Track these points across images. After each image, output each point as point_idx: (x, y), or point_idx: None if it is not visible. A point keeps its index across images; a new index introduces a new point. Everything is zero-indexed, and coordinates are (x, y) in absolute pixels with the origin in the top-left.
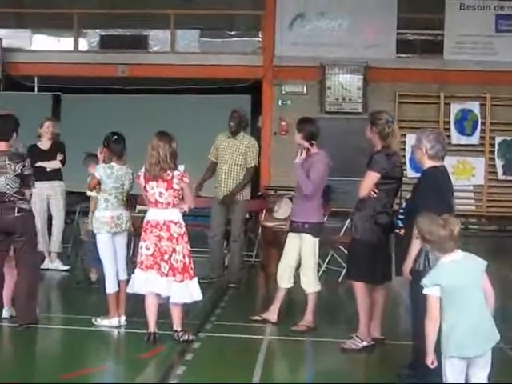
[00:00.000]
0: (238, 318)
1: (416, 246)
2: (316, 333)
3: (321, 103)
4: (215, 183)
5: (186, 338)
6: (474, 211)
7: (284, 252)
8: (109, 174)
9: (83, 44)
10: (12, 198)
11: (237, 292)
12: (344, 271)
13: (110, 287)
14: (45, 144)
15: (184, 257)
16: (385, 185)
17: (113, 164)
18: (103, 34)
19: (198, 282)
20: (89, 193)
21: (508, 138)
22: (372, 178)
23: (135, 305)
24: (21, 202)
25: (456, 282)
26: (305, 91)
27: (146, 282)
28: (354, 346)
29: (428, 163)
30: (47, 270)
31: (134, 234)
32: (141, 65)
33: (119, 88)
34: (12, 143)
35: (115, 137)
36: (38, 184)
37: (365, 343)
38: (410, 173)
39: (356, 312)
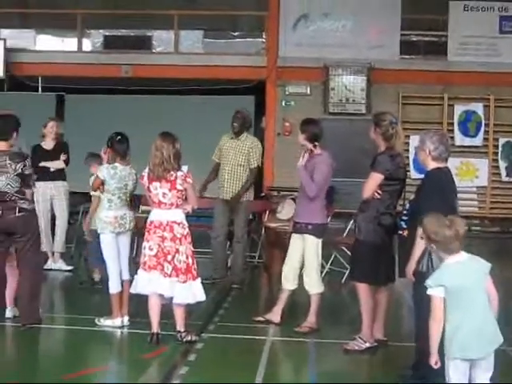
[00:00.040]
0: (241, 318)
1: (419, 247)
2: (319, 334)
3: (324, 104)
4: (218, 184)
5: (189, 338)
6: (477, 213)
7: (288, 253)
8: (112, 175)
9: (87, 44)
10: (13, 198)
11: (240, 293)
12: (347, 272)
13: (114, 287)
14: (48, 144)
15: (187, 257)
16: (388, 186)
17: (116, 164)
18: (107, 34)
19: (201, 283)
20: (92, 193)
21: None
22: (375, 179)
23: (138, 305)
24: (22, 201)
25: (460, 283)
26: (308, 92)
27: (149, 283)
28: (356, 348)
29: (431, 164)
30: (50, 270)
31: (137, 234)
32: (144, 65)
33: (123, 88)
34: (12, 143)
35: (119, 137)
36: (41, 184)
37: (368, 344)
38: (413, 174)
39: (359, 313)
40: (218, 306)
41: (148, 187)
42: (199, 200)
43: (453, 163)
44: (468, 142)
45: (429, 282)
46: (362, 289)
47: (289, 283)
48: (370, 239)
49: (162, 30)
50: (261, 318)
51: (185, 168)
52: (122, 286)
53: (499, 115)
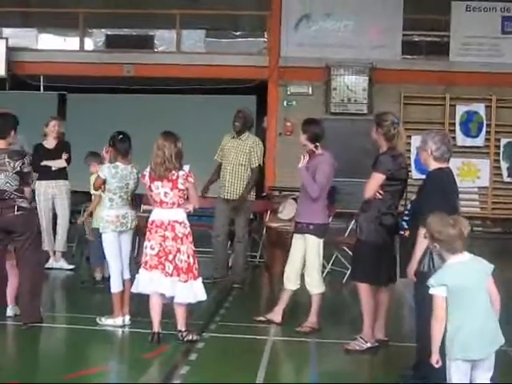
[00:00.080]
0: (242, 318)
1: (421, 247)
2: (320, 334)
3: (326, 104)
4: (219, 183)
5: (190, 338)
6: (479, 213)
7: (290, 254)
8: (113, 174)
9: (89, 43)
10: (12, 196)
11: (241, 292)
12: (348, 272)
13: (115, 287)
14: (50, 143)
15: (188, 257)
16: (390, 186)
17: (117, 164)
18: (109, 33)
19: (202, 282)
20: (93, 191)
21: None
22: (377, 179)
23: (139, 304)
24: (20, 200)
25: (462, 283)
26: (310, 92)
27: (150, 282)
28: (357, 348)
29: (433, 165)
30: (52, 269)
31: (138, 233)
32: (146, 64)
33: (125, 88)
34: (11, 141)
35: (121, 136)
36: (43, 183)
37: (369, 344)
38: (414, 174)
39: (360, 313)
40: (219, 305)
41: (149, 186)
42: (201, 199)
43: (454, 163)
44: (470, 142)
45: (431, 281)
46: (363, 289)
47: (291, 283)
48: (372, 239)
49: (164, 30)
50: (262, 318)
51: (186, 167)
52: (124, 285)
53: (501, 116)
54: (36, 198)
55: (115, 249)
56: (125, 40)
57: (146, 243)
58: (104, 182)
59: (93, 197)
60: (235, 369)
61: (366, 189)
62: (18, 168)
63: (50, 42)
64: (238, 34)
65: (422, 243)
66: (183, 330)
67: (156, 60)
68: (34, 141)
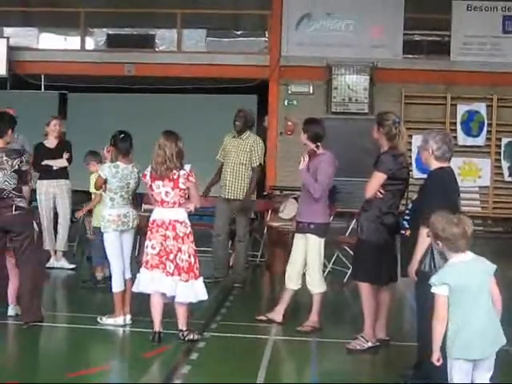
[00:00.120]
0: (243, 317)
1: (422, 246)
2: (321, 333)
3: (327, 103)
4: (220, 182)
5: (191, 337)
6: (480, 213)
7: (291, 253)
8: (114, 174)
9: (90, 43)
10: (10, 195)
11: (242, 292)
12: (349, 272)
13: (117, 286)
14: (51, 142)
15: (189, 256)
16: (391, 186)
17: (118, 163)
18: (110, 33)
19: (203, 282)
20: (93, 191)
21: None
22: (378, 178)
23: (141, 304)
24: (19, 199)
25: (464, 282)
26: (311, 91)
27: (151, 282)
28: (358, 347)
29: (434, 164)
30: (53, 268)
31: (140, 232)
32: (147, 64)
33: (126, 87)
34: (9, 140)
35: (122, 135)
36: (44, 182)
37: (370, 344)
38: (415, 174)
39: (361, 313)
40: (220, 305)
41: (150, 185)
42: (201, 199)
43: (455, 163)
44: (471, 141)
45: (433, 280)
46: (364, 288)
47: (292, 283)
48: (373, 239)
49: (164, 29)
50: (263, 317)
51: (187, 167)
52: (125, 284)
53: (502, 115)
54: (37, 197)
55: (117, 248)
56: (126, 39)
57: (147, 242)
58: (105, 181)
59: (93, 196)
60: (236, 368)
61: (367, 188)
62: (16, 166)
63: (50, 41)
64: (238, 33)
65: (423, 243)
66: (184, 329)
67: (157, 59)
68: (34, 140)
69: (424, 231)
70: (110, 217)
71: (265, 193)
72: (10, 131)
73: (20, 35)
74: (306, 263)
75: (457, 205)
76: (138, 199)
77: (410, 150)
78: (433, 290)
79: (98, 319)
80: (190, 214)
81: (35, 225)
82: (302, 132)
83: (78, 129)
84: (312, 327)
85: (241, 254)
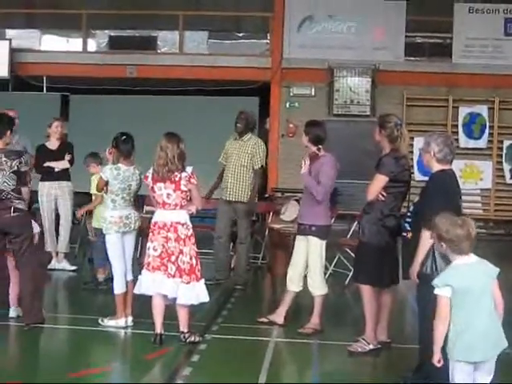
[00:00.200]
0: (245, 319)
1: (423, 249)
2: (322, 335)
3: (329, 106)
4: (222, 184)
5: (193, 339)
6: (482, 215)
7: (293, 256)
8: (115, 175)
9: (92, 45)
10: (9, 196)
11: (243, 294)
12: (351, 274)
13: (118, 288)
14: (53, 144)
15: (191, 258)
16: (393, 188)
17: (119, 165)
18: (112, 34)
19: (205, 284)
20: (94, 192)
21: None
22: (380, 181)
23: (142, 306)
24: (17, 201)
25: (467, 285)
26: (313, 93)
27: (152, 283)
28: (360, 349)
29: (436, 167)
30: (54, 270)
31: (141, 234)
32: (149, 66)
33: (127, 89)
34: (8, 141)
35: (124, 137)
36: (46, 184)
37: (371, 346)
38: (417, 176)
39: (362, 315)
40: (222, 306)
41: (152, 187)
42: (204, 201)
43: (457, 165)
44: (472, 144)
45: (436, 281)
46: (366, 291)
47: (294, 285)
48: (374, 241)
49: (166, 31)
50: (264, 319)
51: (189, 169)
52: (127, 286)
53: (504, 117)
54: (39, 198)
55: (119, 250)
56: (128, 41)
57: (149, 244)
58: (106, 183)
59: (93, 197)
60: (237, 370)
61: (368, 191)
62: (15, 167)
63: (53, 43)
64: (240, 35)
65: (424, 245)
66: (185, 331)
67: (159, 61)
68: (36, 142)
69: (425, 233)
70: (112, 218)
71: (266, 195)
72: (8, 132)
73: (22, 37)
74: (308, 265)
75: (458, 207)
76: (140, 201)
77: (412, 152)
78: (436, 291)
79: (100, 321)
80: (191, 216)
81: (37, 226)
82: (303, 134)
83: (80, 130)
84: (313, 329)
85: (242, 256)
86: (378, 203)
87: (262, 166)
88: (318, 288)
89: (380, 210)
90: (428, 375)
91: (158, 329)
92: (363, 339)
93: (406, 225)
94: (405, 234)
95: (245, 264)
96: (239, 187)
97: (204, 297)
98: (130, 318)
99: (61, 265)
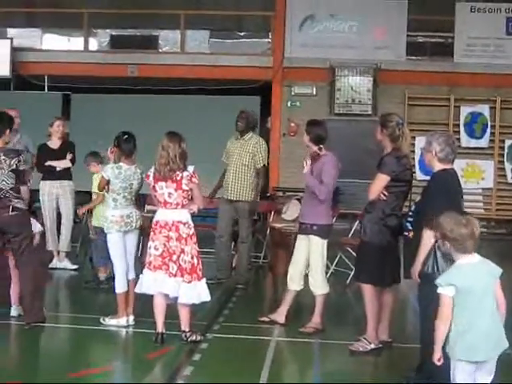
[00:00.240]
0: (246, 318)
1: (425, 248)
2: (324, 335)
3: (330, 105)
4: (224, 183)
5: (194, 338)
6: (483, 214)
7: (294, 254)
8: (117, 175)
9: (93, 44)
10: (7, 195)
11: (244, 293)
12: (352, 273)
13: (120, 287)
14: (55, 143)
15: (192, 257)
16: (395, 187)
17: (121, 164)
18: (113, 33)
19: (206, 283)
20: (95, 191)
21: None
22: (382, 180)
23: (143, 305)
24: (16, 200)
25: (470, 284)
26: (314, 93)
27: (154, 283)
28: (361, 349)
29: (438, 166)
30: (56, 269)
31: (143, 233)
32: (150, 65)
33: (129, 88)
34: (7, 140)
35: (126, 136)
36: (47, 183)
37: (373, 346)
38: (419, 175)
39: (364, 314)
40: (223, 306)
41: (154, 186)
42: (207, 201)
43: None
44: (474, 143)
45: (439, 280)
46: (367, 290)
47: (294, 284)
48: (376, 240)
49: (168, 30)
50: (265, 319)
51: (191, 168)
52: (128, 285)
53: (505, 117)
54: (40, 198)
55: (120, 249)
56: (129, 40)
57: (150, 243)
58: (108, 182)
59: (94, 196)
60: (239, 369)
61: (370, 190)
62: (14, 166)
63: (54, 42)
64: (242, 34)
65: (426, 244)
66: (187, 330)
67: (160, 60)
68: (38, 141)
69: (427, 233)
70: (113, 217)
71: (268, 194)
72: (8, 131)
73: (23, 36)
74: (309, 264)
75: (460, 206)
76: (141, 200)
77: (414, 151)
78: (439, 290)
79: (101, 320)
80: (193, 215)
81: (39, 225)
82: (304, 134)
83: (82, 130)
84: (315, 328)
85: (243, 256)
86: (380, 202)
87: (264, 165)
88: (320, 287)
89: (382, 210)
90: (430, 375)
91: (160, 328)
92: (364, 338)
93: (408, 224)
94: (406, 233)
95: (246, 263)
96: (240, 186)
97: (205, 296)
98: (131, 317)
99: (62, 264)
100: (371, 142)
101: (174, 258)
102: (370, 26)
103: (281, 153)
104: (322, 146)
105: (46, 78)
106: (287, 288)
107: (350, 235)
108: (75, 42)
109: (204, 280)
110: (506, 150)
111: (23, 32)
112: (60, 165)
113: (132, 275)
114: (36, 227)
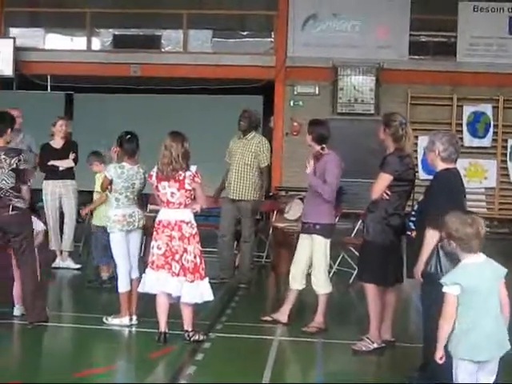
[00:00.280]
0: (249, 318)
1: (428, 248)
2: (326, 334)
3: (333, 104)
4: (226, 183)
5: (197, 337)
6: (486, 214)
7: (296, 253)
8: (119, 174)
9: (96, 43)
10: (7, 194)
11: (247, 292)
12: (355, 273)
13: (123, 286)
14: (57, 143)
15: (195, 257)
16: (397, 187)
17: (124, 164)
18: (116, 33)
19: (209, 283)
20: (98, 190)
21: None
22: (385, 179)
23: (146, 304)
24: (16, 199)
25: (476, 284)
26: (317, 92)
27: (157, 282)
28: (364, 348)
29: (441, 165)
30: (58, 268)
31: (145, 233)
32: (153, 64)
33: (132, 88)
34: (8, 139)
35: (128, 136)
36: (50, 182)
37: (375, 345)
38: (421, 175)
39: (367, 314)
40: (226, 305)
41: (156, 186)
42: (212, 200)
43: (461, 164)
44: (477, 142)
45: (444, 279)
46: (370, 289)
47: (296, 283)
48: (379, 240)
49: (171, 30)
50: (268, 318)
51: (193, 168)
52: (131, 284)
53: (508, 116)
54: (43, 197)
55: (123, 248)
56: (132, 40)
57: (153, 243)
58: (111, 182)
59: (96, 195)
60: (241, 369)
61: (373, 189)
62: (14, 165)
63: (57, 41)
64: (245, 33)
65: (429, 244)
66: (190, 329)
67: (163, 60)
68: (41, 140)
69: (430, 232)
70: (116, 217)
71: (270, 193)
72: (9, 130)
73: (26, 36)
74: (312, 264)
75: (463, 206)
76: (144, 200)
77: (416, 151)
78: (444, 289)
79: (104, 319)
80: (195, 215)
81: (42, 224)
82: (307, 133)
83: (84, 129)
84: (317, 328)
85: (246, 255)
86: (383, 202)
87: (267, 164)
88: (322, 286)
89: (384, 209)
90: (433, 375)
91: (162, 327)
92: (367, 338)
93: (411, 223)
94: (409, 232)
95: (249, 263)
96: (243, 186)
97: (208, 295)
98: (134, 317)
99: (65, 263)
100: (374, 141)
101: (177, 257)
102: (372, 26)
103: (283, 152)
104: (324, 145)
105: (48, 77)
106: (289, 287)
107: (352, 235)
108: (78, 42)
109: (207, 279)
110: (508, 150)
111: (26, 32)
112: (63, 164)
113: (135, 275)
114: (39, 226)
